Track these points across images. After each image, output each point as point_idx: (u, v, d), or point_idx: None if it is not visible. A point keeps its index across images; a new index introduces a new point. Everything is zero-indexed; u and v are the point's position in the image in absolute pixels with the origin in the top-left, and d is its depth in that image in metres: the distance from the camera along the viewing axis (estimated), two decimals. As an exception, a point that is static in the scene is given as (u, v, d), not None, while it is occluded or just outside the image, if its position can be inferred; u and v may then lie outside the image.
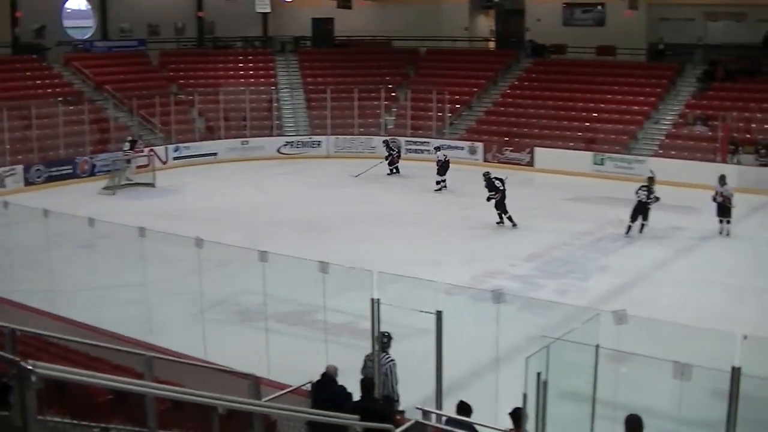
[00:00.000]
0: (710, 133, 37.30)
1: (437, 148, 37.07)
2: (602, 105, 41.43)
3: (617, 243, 26.55)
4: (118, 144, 38.38)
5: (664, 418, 12.35)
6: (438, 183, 34.73)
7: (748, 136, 36.69)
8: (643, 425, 10.24)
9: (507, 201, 28.20)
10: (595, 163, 37.87)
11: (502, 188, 28.19)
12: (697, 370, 10.21)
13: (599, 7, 46.49)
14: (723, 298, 21.45)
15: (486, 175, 28.84)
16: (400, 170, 37.81)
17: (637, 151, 38.16)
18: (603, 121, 40.40)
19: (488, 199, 28.29)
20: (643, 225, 27.05)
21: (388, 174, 37.44)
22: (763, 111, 37.48)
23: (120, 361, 11.53)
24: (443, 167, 34.87)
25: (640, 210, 26.99)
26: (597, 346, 11.29)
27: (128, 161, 35.52)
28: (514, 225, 28.03)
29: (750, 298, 21.50)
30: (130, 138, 37.34)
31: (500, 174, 29.54)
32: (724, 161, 35.55)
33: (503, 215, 28.13)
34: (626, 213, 28.80)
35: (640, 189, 27.20)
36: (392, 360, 13.06)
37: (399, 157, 38.40)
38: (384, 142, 39.28)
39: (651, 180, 27.79)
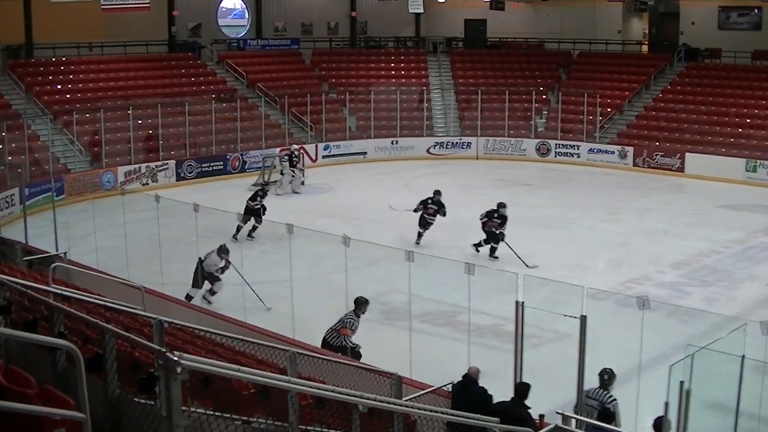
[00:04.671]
0: None
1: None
2: (756, 111, 40.41)
3: (766, 252, 25.88)
4: (269, 141, 39.05)
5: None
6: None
7: None
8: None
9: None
10: (747, 170, 36.98)
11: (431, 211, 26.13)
12: None
13: (756, 11, 45.29)
14: None
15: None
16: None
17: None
18: (757, 127, 39.46)
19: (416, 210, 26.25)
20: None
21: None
22: None
23: (264, 355, 11.68)
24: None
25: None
26: (743, 357, 11.08)
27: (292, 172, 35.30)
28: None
29: None
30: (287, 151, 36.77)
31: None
32: None
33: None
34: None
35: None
36: (615, 400, 12.41)
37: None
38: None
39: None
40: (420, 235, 25.84)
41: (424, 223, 25.89)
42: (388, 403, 9.07)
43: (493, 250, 24.57)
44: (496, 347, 16.95)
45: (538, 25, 50.58)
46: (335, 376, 11.53)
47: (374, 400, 8.38)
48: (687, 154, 38.88)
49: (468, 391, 11.84)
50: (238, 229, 26.21)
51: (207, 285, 20.59)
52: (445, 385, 12.45)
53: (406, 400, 10.66)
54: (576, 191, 34.84)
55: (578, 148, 41.83)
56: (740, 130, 39.76)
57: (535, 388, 11.56)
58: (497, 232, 24.47)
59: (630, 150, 40.46)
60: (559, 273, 21.22)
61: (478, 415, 9.94)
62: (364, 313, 16.53)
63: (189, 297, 20.03)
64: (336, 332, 16.22)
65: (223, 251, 20.45)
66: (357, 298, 16.64)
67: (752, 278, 23.32)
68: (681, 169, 38.82)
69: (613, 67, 46.82)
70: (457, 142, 43.25)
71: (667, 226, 28.52)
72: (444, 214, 25.88)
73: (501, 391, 11.81)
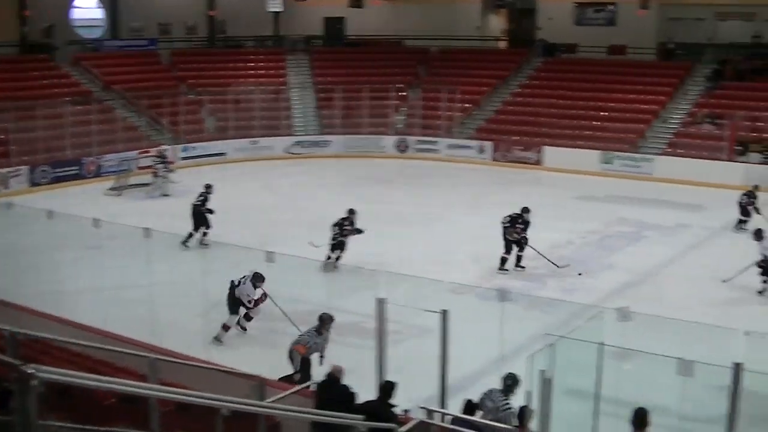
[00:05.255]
0: (718, 132, 37.36)
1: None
2: (612, 104, 41.50)
3: (624, 241, 26.55)
4: (126, 144, 38.43)
5: (668, 414, 12.39)
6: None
7: (755, 134, 36.82)
8: (648, 419, 10.28)
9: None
10: (604, 162, 37.93)
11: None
12: (700, 367, 10.25)
13: (611, 7, 46.59)
14: (728, 295, 21.59)
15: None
16: None
17: (645, 150, 38.23)
18: (612, 120, 40.49)
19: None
20: None
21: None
22: (771, 110, 37.65)
23: (125, 363, 11.54)
24: None
25: None
26: (601, 344, 11.32)
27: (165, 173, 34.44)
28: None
29: (752, 295, 21.58)
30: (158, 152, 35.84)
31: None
32: (731, 160, 35.75)
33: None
34: (634, 212, 29.02)
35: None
36: (510, 408, 11.80)
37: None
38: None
39: None
40: (338, 258, 23.60)
41: (341, 246, 23.77)
42: (251, 405, 9.05)
43: (519, 259, 23.82)
44: (359, 345, 16.98)
45: (398, 23, 50.82)
46: (198, 381, 11.46)
47: (237, 403, 8.36)
48: (545, 147, 39.63)
49: (332, 390, 11.86)
50: (190, 235, 25.23)
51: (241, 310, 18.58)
52: (308, 385, 12.47)
53: (269, 402, 10.65)
54: (436, 187, 35.15)
55: (437, 144, 42.26)
56: (596, 123, 40.67)
57: (399, 383, 11.64)
58: (521, 237, 23.66)
59: (488, 145, 41.02)
60: (421, 268, 21.40)
61: (343, 414, 9.99)
62: (327, 331, 15.54)
63: (226, 327, 18.24)
64: (292, 345, 15.38)
65: (258, 279, 18.17)
66: (321, 314, 15.58)
67: (609, 267, 23.84)
68: (539, 163, 39.55)
69: (472, 63, 47.31)
70: (316, 141, 43.17)
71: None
72: (361, 232, 23.90)
73: (365, 389, 11.86)
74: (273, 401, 10.99)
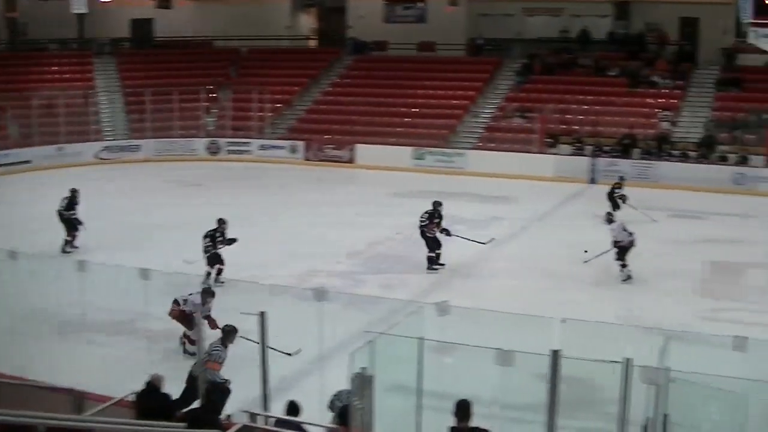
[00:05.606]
0: (528, 125, 38.24)
1: None
2: (423, 101, 42.11)
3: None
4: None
5: (490, 404, 12.50)
6: None
7: (564, 127, 37.78)
8: (471, 410, 10.34)
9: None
10: (416, 158, 38.41)
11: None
12: (519, 356, 10.36)
13: (420, 4, 47.26)
14: (542, 284, 22.02)
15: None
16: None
17: (456, 144, 38.86)
18: (423, 116, 41.08)
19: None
20: None
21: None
22: (578, 103, 38.93)
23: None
24: None
25: None
26: (421, 339, 11.35)
27: None
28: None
29: (568, 283, 22.08)
30: None
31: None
32: (541, 152, 36.63)
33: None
34: (448, 206, 29.35)
35: None
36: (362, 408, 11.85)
37: None
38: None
39: None
40: (220, 271, 21.98)
41: (218, 259, 22.21)
42: (68, 420, 8.77)
43: (438, 256, 23.60)
44: (177, 352, 16.77)
45: (207, 23, 50.44)
46: (10, 399, 11.03)
47: (52, 419, 8.07)
48: (357, 145, 39.83)
49: (152, 399, 11.61)
50: (67, 242, 25.01)
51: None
52: (127, 396, 12.16)
53: (87, 415, 10.34)
54: (248, 188, 34.93)
55: (249, 145, 42.08)
56: (407, 119, 41.19)
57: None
58: (441, 231, 23.68)
59: (300, 144, 41.03)
60: (237, 271, 21.19)
61: (164, 423, 9.78)
62: (232, 342, 14.72)
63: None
64: (202, 365, 13.76)
65: (208, 294, 17.29)
66: (224, 326, 14.84)
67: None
68: (351, 161, 39.76)
69: (283, 62, 47.53)
70: (126, 146, 42.32)
71: (340, 217, 28.97)
72: (234, 241, 22.53)
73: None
74: (91, 414, 10.68)
